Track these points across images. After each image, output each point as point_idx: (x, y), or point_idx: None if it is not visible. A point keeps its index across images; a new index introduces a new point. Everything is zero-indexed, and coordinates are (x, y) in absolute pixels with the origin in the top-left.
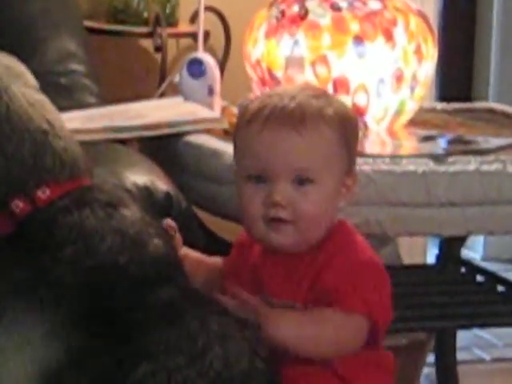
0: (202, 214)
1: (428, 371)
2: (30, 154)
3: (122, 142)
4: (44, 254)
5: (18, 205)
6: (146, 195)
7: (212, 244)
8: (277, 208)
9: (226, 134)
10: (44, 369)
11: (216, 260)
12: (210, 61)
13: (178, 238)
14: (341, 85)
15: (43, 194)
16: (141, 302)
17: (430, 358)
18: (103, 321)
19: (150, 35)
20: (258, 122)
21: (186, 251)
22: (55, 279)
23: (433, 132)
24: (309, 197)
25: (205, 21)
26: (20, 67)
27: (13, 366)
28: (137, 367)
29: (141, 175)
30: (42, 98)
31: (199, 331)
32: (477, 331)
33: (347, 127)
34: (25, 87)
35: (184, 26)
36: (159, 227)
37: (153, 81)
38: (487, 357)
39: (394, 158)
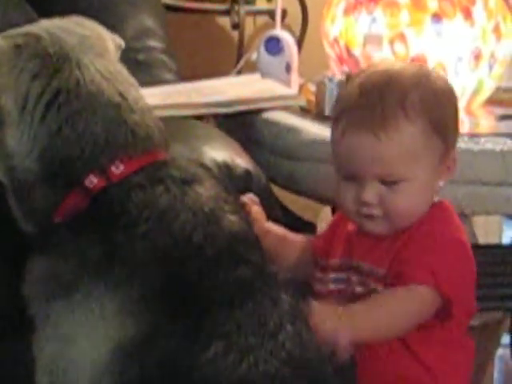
0: (278, 192)
1: (502, 352)
2: (102, 129)
3: (199, 118)
4: (117, 230)
5: (93, 180)
6: (225, 171)
7: (289, 222)
8: (367, 206)
9: (303, 111)
10: (116, 345)
11: (300, 236)
12: (287, 38)
13: (261, 211)
14: (419, 63)
15: (117, 169)
16: (214, 280)
17: (505, 338)
18: (176, 299)
19: (227, 13)
20: (341, 126)
21: (268, 226)
22: (129, 256)
23: (511, 111)
24: (400, 193)
25: None
26: (100, 33)
27: (86, 343)
28: (209, 346)
29: (220, 151)
30: (116, 70)
31: (271, 311)
32: None
33: (435, 110)
34: (99, 58)
35: (261, 4)
36: (235, 204)
37: (230, 58)
38: None
39: (472, 136)
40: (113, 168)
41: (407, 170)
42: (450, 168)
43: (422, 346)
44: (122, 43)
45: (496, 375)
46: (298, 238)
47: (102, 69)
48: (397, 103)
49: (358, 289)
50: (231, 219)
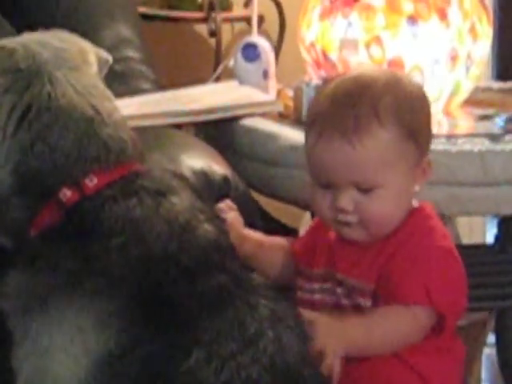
0: (260, 198)
1: (489, 351)
2: (74, 143)
3: (178, 126)
4: (92, 243)
5: (66, 194)
6: (203, 179)
7: (270, 227)
8: (343, 213)
9: (281, 117)
10: (95, 358)
11: (278, 240)
12: (264, 44)
13: (239, 217)
14: (395, 66)
15: (91, 182)
16: (191, 290)
17: (491, 338)
18: (154, 309)
19: (204, 20)
20: (314, 133)
21: (246, 232)
22: (104, 268)
23: (489, 111)
24: (375, 200)
25: (259, 5)
26: (81, 47)
27: (64, 356)
28: (189, 355)
29: (197, 159)
30: (91, 83)
31: (251, 317)
32: None
33: (408, 114)
34: (74, 72)
35: (238, 11)
36: (210, 212)
37: (208, 65)
38: None
39: (450, 137)
40: (86, 181)
41: (382, 176)
42: (425, 171)
43: (414, 355)
44: (110, 59)
45: (483, 375)
46: (276, 242)
47: (75, 83)
48: (370, 110)
49: (344, 301)
50: (206, 228)
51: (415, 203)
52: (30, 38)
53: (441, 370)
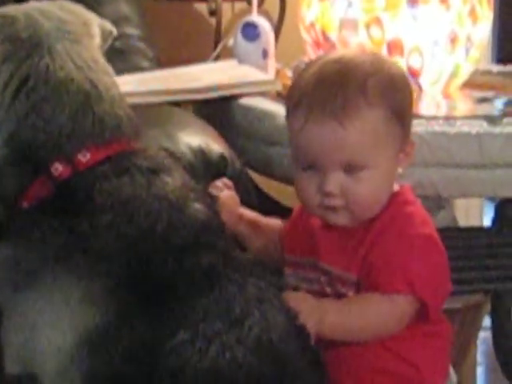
0: (257, 177)
1: (484, 335)
2: (69, 117)
3: (177, 104)
4: (82, 219)
5: (58, 168)
6: (200, 156)
7: (267, 206)
8: (330, 197)
9: (279, 96)
10: (82, 333)
11: (273, 221)
12: (264, 24)
13: (234, 196)
14: (395, 47)
15: (84, 157)
16: (179, 269)
17: (487, 321)
18: (141, 287)
19: None
20: (301, 115)
21: (242, 211)
22: (93, 245)
23: (489, 94)
24: (362, 182)
25: None
26: (86, 19)
27: (52, 331)
28: (175, 334)
29: (195, 137)
30: (91, 57)
31: (237, 297)
32: None
33: (394, 95)
34: (75, 44)
35: None
36: (202, 192)
37: (208, 44)
38: None
39: (448, 119)
40: (79, 157)
41: (370, 156)
42: (408, 154)
43: (400, 342)
44: (114, 30)
45: (479, 358)
46: (271, 223)
47: (75, 56)
48: (357, 90)
49: (328, 289)
50: (197, 207)
51: (395, 186)
52: (33, 7)
53: (428, 355)
